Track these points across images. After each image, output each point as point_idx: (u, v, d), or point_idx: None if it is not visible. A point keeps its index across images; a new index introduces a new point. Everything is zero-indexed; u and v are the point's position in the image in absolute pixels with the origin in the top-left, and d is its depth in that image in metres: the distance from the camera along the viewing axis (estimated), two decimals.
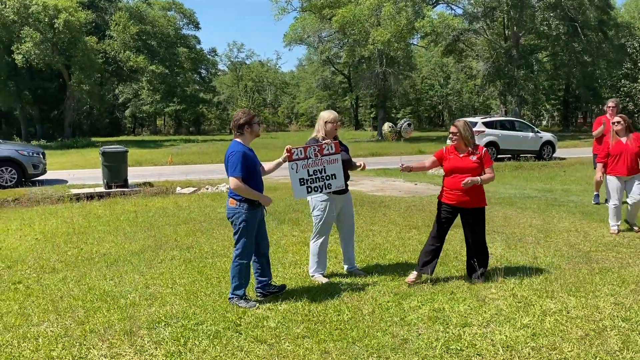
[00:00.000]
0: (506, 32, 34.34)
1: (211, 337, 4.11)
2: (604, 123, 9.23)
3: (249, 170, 4.73)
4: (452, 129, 5.24)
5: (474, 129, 19.32)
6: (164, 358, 3.81)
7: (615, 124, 7.37)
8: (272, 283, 5.12)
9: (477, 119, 20.59)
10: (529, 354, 3.76)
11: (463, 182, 5.06)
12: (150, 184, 13.41)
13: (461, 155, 5.23)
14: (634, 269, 5.65)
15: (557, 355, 3.73)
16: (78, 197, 11.82)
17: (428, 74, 55.48)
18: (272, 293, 5.00)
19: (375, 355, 3.78)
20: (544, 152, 20.25)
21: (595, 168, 9.50)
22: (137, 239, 7.64)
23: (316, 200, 5.47)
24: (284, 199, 10.31)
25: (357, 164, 5.59)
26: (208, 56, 53.04)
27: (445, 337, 4.04)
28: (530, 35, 34.69)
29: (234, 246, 4.88)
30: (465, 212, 5.27)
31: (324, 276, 5.57)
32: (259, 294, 5.01)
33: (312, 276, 5.57)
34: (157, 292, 5.22)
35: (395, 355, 3.78)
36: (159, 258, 6.52)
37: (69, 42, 31.74)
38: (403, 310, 4.58)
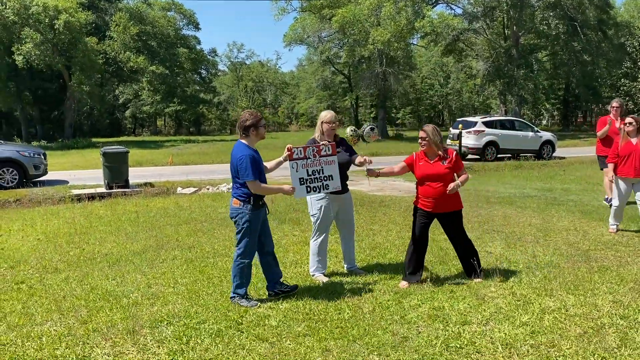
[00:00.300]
0: (506, 31, 34.36)
1: (213, 335, 4.15)
2: (610, 123, 9.09)
3: (258, 171, 4.78)
4: (421, 133, 5.22)
5: (474, 129, 19.49)
6: (167, 356, 3.85)
7: (628, 124, 7.27)
8: (284, 282, 5.14)
9: (477, 119, 20.65)
10: (528, 351, 3.80)
11: (449, 189, 5.05)
12: (151, 185, 13.45)
13: (432, 162, 5.21)
14: (632, 268, 5.68)
15: (555, 353, 3.77)
16: (79, 198, 11.86)
17: (428, 73, 55.48)
18: (284, 292, 5.00)
19: (375, 353, 3.82)
20: (543, 151, 20.28)
21: (602, 169, 9.50)
22: (139, 239, 7.68)
23: (313, 200, 5.52)
24: (284, 198, 10.35)
25: (358, 160, 5.39)
26: (208, 56, 53.00)
27: (445, 335, 4.08)
28: (530, 34, 34.71)
29: (235, 246, 4.92)
30: (441, 216, 5.31)
31: (324, 275, 5.61)
32: (271, 293, 5.02)
33: (313, 275, 5.61)
34: (159, 291, 5.27)
35: (396, 352, 3.82)
36: (160, 258, 6.57)
37: (69, 42, 31.77)
38: (403, 309, 4.62)
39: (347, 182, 5.69)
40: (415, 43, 41.10)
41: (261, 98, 63.69)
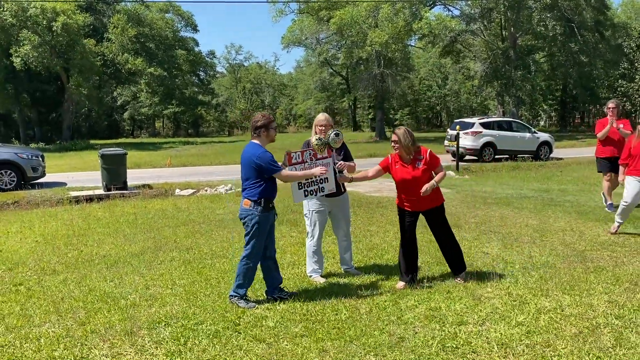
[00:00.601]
0: (503, 33, 34.45)
1: (211, 336, 4.17)
2: (612, 123, 8.99)
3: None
4: (393, 137, 5.20)
5: (472, 130, 19.55)
6: (165, 357, 3.87)
7: None
8: (284, 288, 5.15)
9: (475, 120, 20.74)
10: (523, 351, 3.82)
11: (422, 191, 5.07)
12: (149, 186, 13.47)
13: (407, 165, 5.20)
14: (628, 268, 5.72)
15: (550, 353, 3.79)
16: (77, 200, 11.87)
17: (426, 74, 55.59)
18: (282, 299, 4.99)
19: (372, 354, 3.84)
20: (541, 152, 20.35)
21: (599, 172, 9.49)
22: (137, 240, 7.70)
23: (305, 202, 5.55)
24: (282, 200, 10.36)
25: (337, 166, 5.33)
26: (206, 58, 53.09)
27: (441, 335, 4.10)
28: (527, 36, 34.81)
29: (244, 247, 4.92)
30: (425, 213, 5.35)
31: (321, 276, 5.63)
32: (269, 298, 5.02)
33: (310, 276, 5.63)
34: (157, 292, 5.28)
35: (392, 353, 3.84)
36: (158, 259, 6.58)
37: (67, 44, 31.79)
38: (400, 310, 4.65)
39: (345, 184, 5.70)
40: (413, 44, 41.21)
41: (259, 100, 63.79)
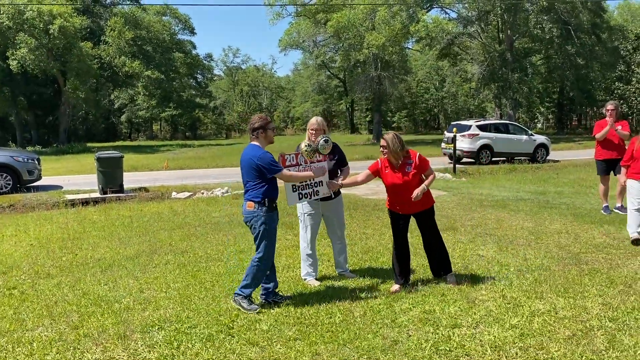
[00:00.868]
0: (500, 35, 34.55)
1: (204, 340, 4.16)
2: (611, 125, 8.97)
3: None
4: (382, 142, 5.19)
5: (469, 132, 19.57)
6: None
7: None
8: (279, 292, 5.13)
9: (471, 122, 20.77)
10: (517, 353, 3.82)
11: (413, 197, 5.07)
12: (145, 189, 13.45)
13: (396, 170, 5.19)
14: (622, 270, 5.72)
15: (544, 355, 3.79)
16: (73, 203, 11.85)
17: (423, 77, 55.70)
18: (276, 303, 4.97)
19: (365, 357, 3.84)
20: (537, 154, 20.37)
21: (598, 174, 9.47)
22: (132, 243, 7.68)
23: (299, 205, 5.55)
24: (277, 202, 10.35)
25: (335, 184, 5.37)
26: (204, 61, 53.10)
27: (435, 338, 4.09)
28: (524, 38, 34.92)
29: (255, 250, 4.90)
30: (416, 215, 5.36)
31: (315, 279, 5.62)
32: (263, 301, 5.01)
33: (304, 279, 5.62)
34: (151, 296, 5.27)
35: (385, 356, 3.83)
36: (153, 263, 6.57)
37: (64, 47, 31.78)
38: (394, 313, 4.64)
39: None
40: (410, 47, 41.31)
41: (257, 102, 63.81)
